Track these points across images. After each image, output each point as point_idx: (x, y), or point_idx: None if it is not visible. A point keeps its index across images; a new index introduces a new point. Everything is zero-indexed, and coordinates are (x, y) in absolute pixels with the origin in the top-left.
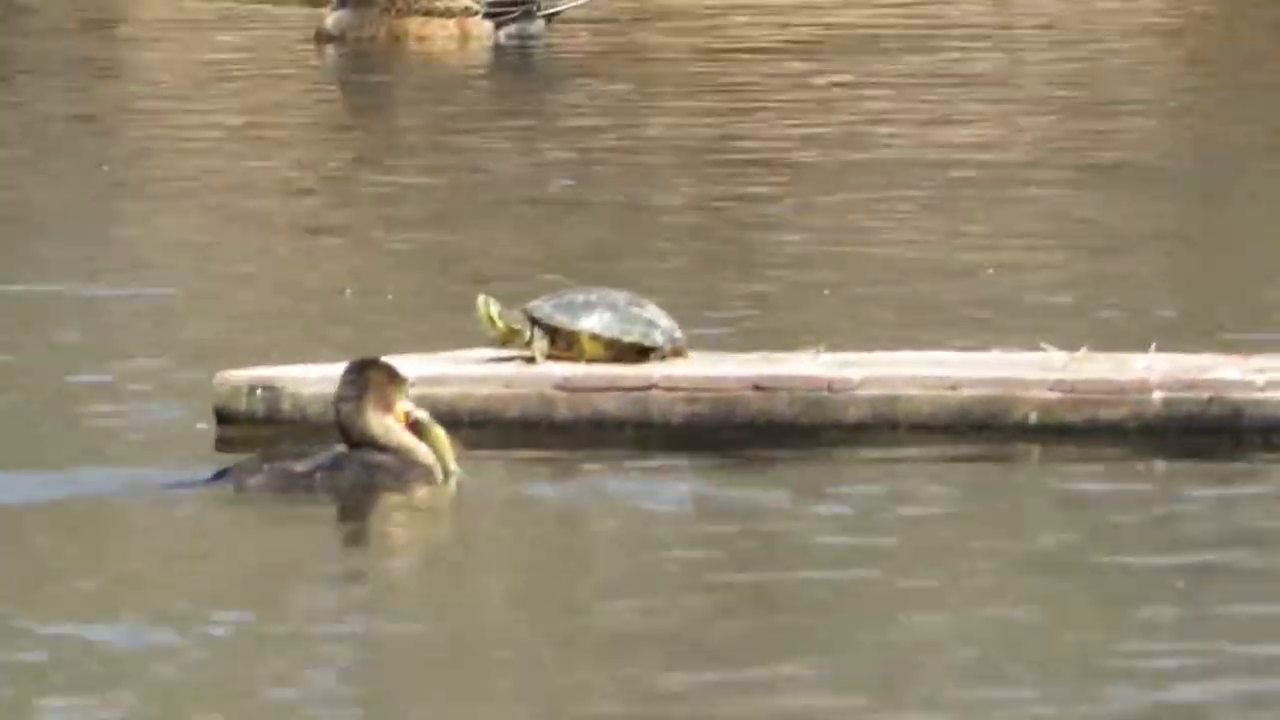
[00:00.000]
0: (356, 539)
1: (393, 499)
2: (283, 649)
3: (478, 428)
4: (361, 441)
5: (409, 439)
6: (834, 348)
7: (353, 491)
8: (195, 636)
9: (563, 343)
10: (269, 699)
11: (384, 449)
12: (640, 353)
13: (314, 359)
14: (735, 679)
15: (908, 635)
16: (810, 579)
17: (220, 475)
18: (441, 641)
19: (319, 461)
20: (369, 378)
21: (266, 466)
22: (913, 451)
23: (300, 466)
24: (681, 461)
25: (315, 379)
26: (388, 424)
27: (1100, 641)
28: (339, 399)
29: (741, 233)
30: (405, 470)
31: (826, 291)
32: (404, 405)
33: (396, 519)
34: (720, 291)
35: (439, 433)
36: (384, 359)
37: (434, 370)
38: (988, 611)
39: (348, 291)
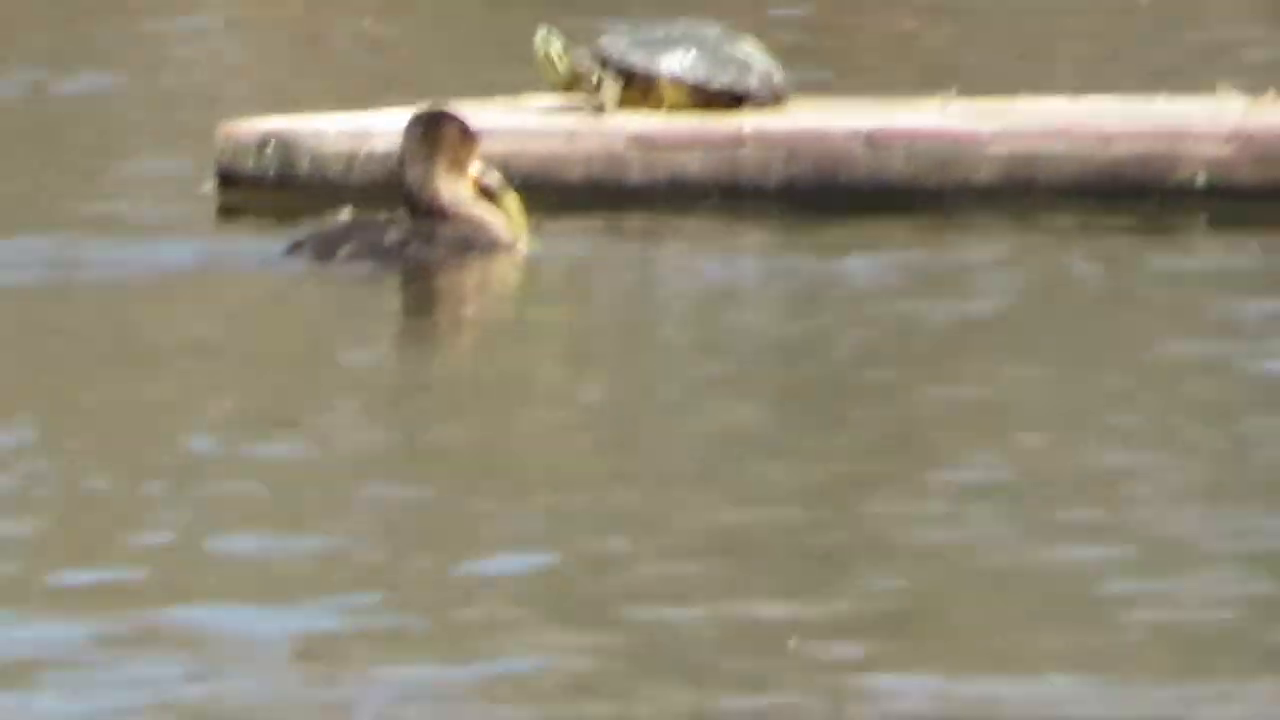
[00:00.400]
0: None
1: (472, 276)
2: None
3: (534, 191)
4: (430, 211)
5: (482, 208)
6: (967, 94)
7: (439, 268)
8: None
9: (638, 88)
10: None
11: (454, 220)
12: (732, 100)
13: (334, 107)
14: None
15: (1023, 451)
16: (918, 377)
17: (295, 247)
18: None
19: (405, 234)
20: (440, 135)
21: (356, 236)
22: (1054, 221)
23: (390, 237)
24: (777, 234)
25: (338, 132)
26: (458, 190)
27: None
28: (404, 160)
29: None
30: (482, 243)
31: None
32: (476, 167)
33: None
34: (833, 26)
35: (513, 199)
36: (453, 110)
37: (481, 122)
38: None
39: (366, 22)
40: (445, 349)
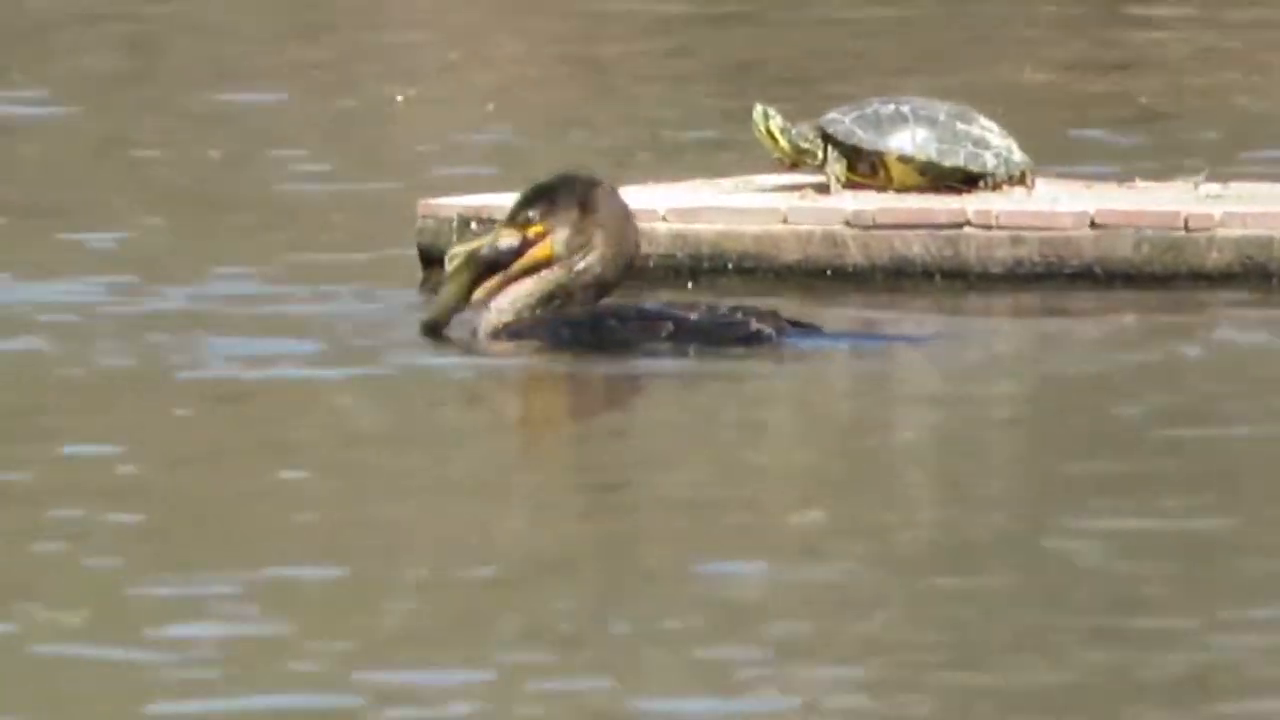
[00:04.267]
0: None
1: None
2: None
3: (745, 274)
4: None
5: None
6: (1221, 177)
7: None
8: None
9: (865, 166)
10: None
11: None
12: (966, 180)
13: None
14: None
15: None
16: (1163, 471)
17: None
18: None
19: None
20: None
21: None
22: None
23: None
24: (1000, 320)
25: None
26: None
27: None
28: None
29: (1121, 32)
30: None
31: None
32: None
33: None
34: (1085, 98)
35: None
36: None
37: (690, 201)
38: None
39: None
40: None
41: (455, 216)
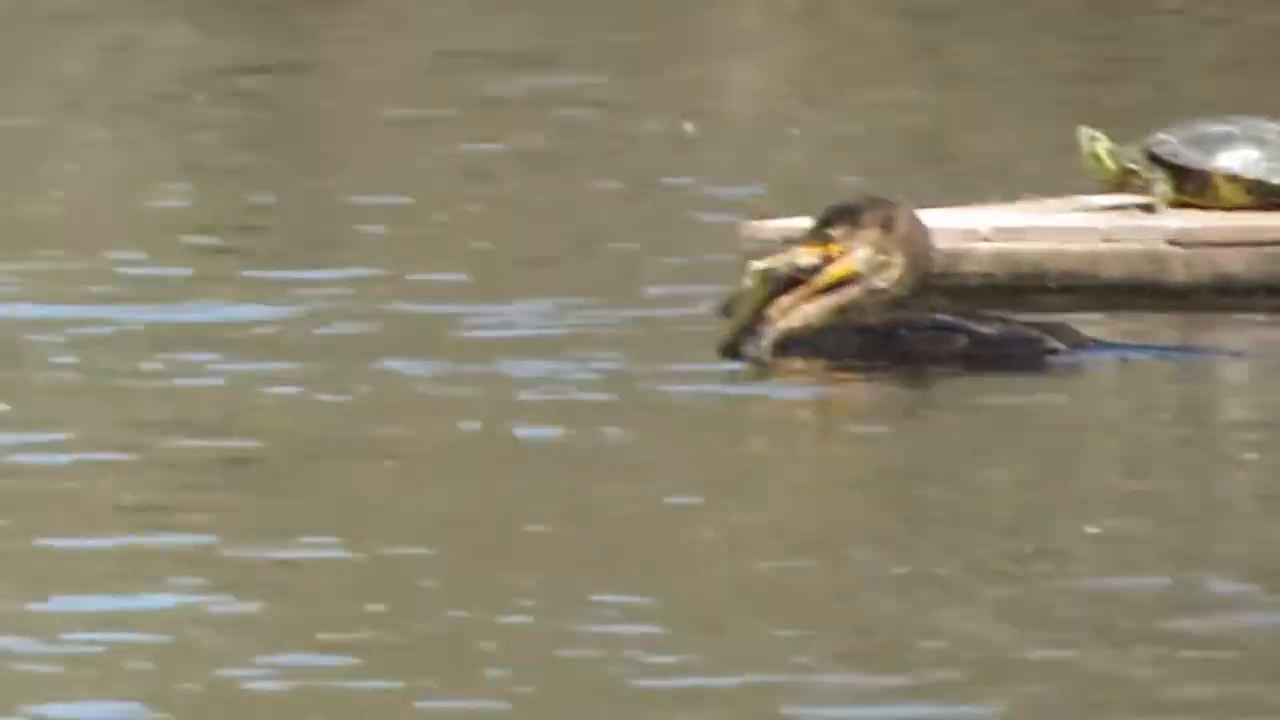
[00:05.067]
0: None
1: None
2: None
3: (1068, 292)
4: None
5: None
6: None
7: None
8: None
9: (1193, 186)
10: None
11: None
12: None
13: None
14: None
15: None
16: None
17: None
18: None
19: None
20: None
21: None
22: None
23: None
24: None
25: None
26: None
27: None
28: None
29: None
30: None
31: None
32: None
33: None
34: None
35: None
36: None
37: (1013, 221)
38: None
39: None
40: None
41: (779, 239)
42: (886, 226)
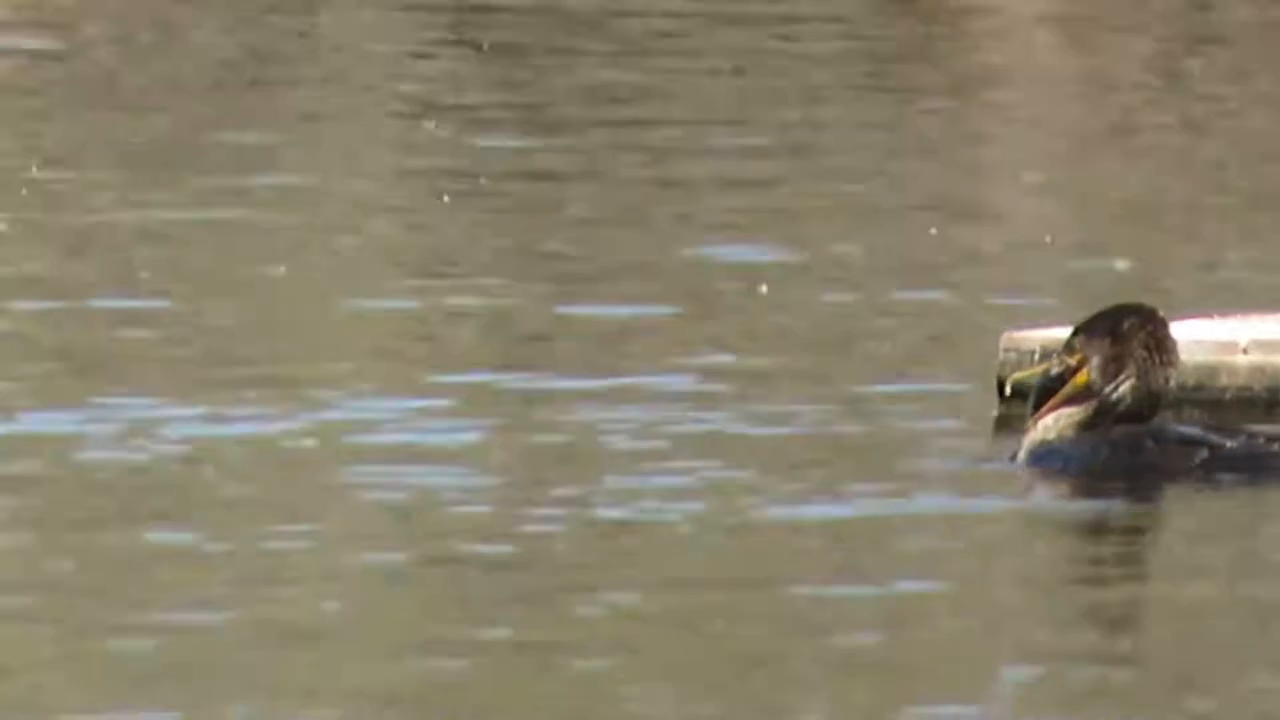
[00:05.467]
0: None
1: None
2: None
3: None
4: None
5: None
6: None
7: None
8: None
9: None
10: None
11: None
12: None
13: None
14: None
15: None
16: None
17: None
18: None
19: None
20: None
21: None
22: None
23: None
24: None
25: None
26: None
27: None
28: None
29: None
30: None
31: None
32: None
33: None
34: None
35: None
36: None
37: (1273, 333)
38: None
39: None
40: None
41: (1037, 348)
42: (1116, 336)
